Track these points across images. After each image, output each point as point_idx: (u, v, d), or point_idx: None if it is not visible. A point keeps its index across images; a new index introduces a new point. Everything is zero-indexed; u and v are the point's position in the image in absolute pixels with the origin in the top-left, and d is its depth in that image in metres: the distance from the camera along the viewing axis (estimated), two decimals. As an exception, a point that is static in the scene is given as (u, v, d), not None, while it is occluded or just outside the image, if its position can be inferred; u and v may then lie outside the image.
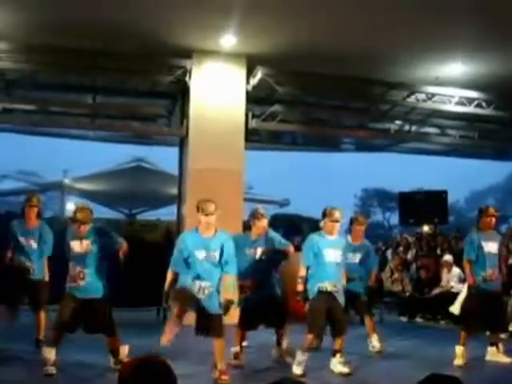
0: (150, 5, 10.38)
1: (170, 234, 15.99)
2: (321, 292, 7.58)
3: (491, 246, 8.57)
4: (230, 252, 7.09)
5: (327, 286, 7.55)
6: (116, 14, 10.80)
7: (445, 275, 13.44)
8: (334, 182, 74.06)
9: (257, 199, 30.63)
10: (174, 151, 14.67)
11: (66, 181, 29.39)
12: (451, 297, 11.45)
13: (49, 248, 8.86)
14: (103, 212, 30.35)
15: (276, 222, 22.56)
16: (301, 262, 7.85)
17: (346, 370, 7.68)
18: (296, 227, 21.42)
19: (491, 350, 8.67)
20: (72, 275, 7.36)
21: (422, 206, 17.61)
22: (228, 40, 11.79)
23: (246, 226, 8.82)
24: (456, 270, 13.06)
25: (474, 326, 8.49)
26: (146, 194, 26.70)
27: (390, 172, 62.53)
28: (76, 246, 7.38)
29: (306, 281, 7.70)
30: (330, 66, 12.64)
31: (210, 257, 7.01)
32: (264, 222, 8.38)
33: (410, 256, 15.97)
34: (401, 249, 16.65)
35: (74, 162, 40.06)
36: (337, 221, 7.77)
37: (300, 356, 7.56)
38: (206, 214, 7.11)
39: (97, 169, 28.90)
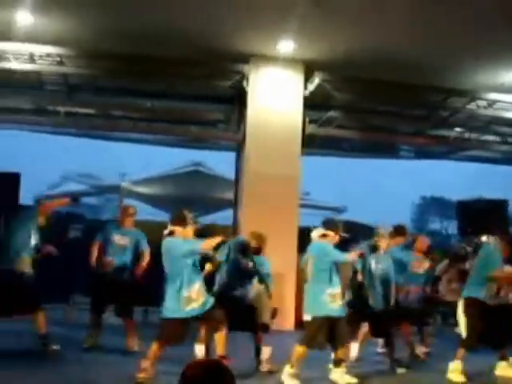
0: (209, 11, 10.46)
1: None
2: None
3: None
4: None
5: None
6: (176, 21, 10.92)
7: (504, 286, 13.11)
8: (392, 189, 73.39)
9: (313, 205, 30.53)
10: (232, 156, 14.74)
11: (124, 184, 29.78)
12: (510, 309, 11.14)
13: None
14: (160, 215, 30.70)
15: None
16: None
17: (353, 380, 7.52)
18: (352, 234, 21.22)
19: (501, 364, 8.40)
20: None
21: (482, 215, 17.22)
22: (286, 45, 11.78)
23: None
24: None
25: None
26: (203, 199, 26.85)
27: (449, 180, 61.70)
28: None
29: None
30: (389, 72, 12.51)
31: None
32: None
33: (468, 266, 15.65)
34: (458, 258, 16.33)
35: (132, 166, 40.67)
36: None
37: (290, 369, 7.42)
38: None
39: (154, 172, 29.22)
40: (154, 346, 7.09)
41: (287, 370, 7.38)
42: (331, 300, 7.43)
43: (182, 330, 7.07)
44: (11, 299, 8.19)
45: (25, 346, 8.66)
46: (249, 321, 8.11)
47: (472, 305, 8.33)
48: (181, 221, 7.23)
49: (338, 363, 7.55)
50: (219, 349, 7.14)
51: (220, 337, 7.14)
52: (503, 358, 8.38)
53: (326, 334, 7.39)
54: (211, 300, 7.16)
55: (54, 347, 8.42)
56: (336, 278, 7.54)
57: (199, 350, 7.90)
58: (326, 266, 7.50)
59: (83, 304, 11.45)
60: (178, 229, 7.17)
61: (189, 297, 6.96)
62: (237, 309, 7.88)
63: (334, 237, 7.69)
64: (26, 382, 7.09)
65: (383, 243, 8.51)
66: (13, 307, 8.26)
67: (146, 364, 7.03)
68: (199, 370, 2.59)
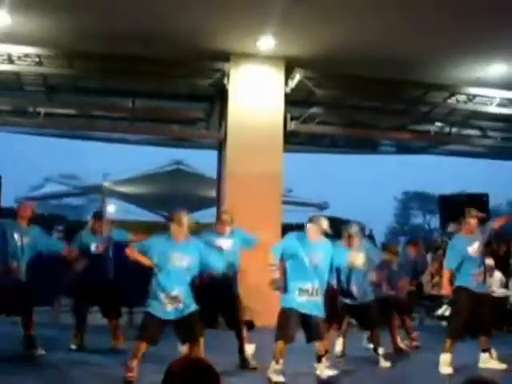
0: (188, 9, 10.44)
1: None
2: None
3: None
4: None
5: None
6: (155, 20, 10.88)
7: (486, 280, 13.21)
8: (374, 184, 73.62)
9: (296, 202, 30.55)
10: (213, 154, 14.73)
11: (106, 184, 29.66)
12: (493, 302, 11.26)
13: None
14: (142, 215, 30.60)
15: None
16: None
17: (333, 372, 7.51)
18: (335, 230, 21.29)
19: (483, 356, 8.43)
20: None
21: (463, 209, 17.36)
22: (266, 42, 11.78)
23: None
24: (497, 275, 12.85)
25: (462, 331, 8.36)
26: (185, 197, 26.81)
27: (431, 174, 61.96)
28: None
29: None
30: (369, 67, 12.55)
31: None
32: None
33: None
34: (441, 252, 16.43)
35: (113, 165, 40.46)
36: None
37: (274, 365, 7.34)
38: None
39: (136, 172, 29.13)
40: (136, 343, 7.12)
41: (272, 366, 7.35)
42: (300, 294, 7.38)
43: (156, 329, 7.05)
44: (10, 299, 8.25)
45: (9, 348, 8.60)
46: (231, 319, 8.17)
47: (460, 293, 8.41)
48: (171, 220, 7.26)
49: (318, 359, 7.54)
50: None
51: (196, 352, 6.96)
52: (485, 350, 8.43)
53: (294, 327, 7.36)
54: (192, 307, 7.10)
55: (41, 352, 8.38)
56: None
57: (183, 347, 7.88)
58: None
59: (68, 306, 11.43)
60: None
61: (165, 299, 6.99)
62: (218, 307, 8.00)
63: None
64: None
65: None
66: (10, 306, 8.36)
67: (134, 363, 7.03)
68: (183, 367, 2.58)
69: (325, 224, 7.63)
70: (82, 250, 9.08)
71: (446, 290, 8.66)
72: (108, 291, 9.11)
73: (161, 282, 7.01)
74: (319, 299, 7.43)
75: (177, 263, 7.05)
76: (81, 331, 9.13)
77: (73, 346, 8.95)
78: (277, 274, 7.51)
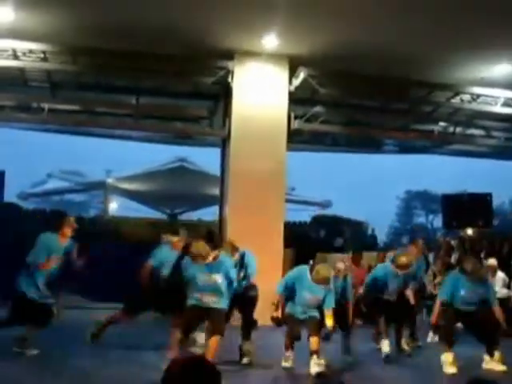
0: (193, 7, 10.44)
1: (212, 234, 16.07)
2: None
3: None
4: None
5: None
6: (159, 17, 10.87)
7: (489, 279, 13.18)
8: (377, 183, 73.55)
9: (299, 200, 30.58)
10: (217, 152, 14.73)
11: (109, 180, 29.69)
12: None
13: None
14: (145, 212, 30.63)
15: (317, 224, 22.53)
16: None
17: (315, 369, 7.71)
18: (337, 229, 21.35)
19: (487, 357, 8.43)
20: None
21: (466, 208, 17.38)
22: (270, 41, 11.78)
23: None
24: (500, 275, 12.82)
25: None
26: (188, 195, 26.83)
27: (434, 174, 61.90)
28: None
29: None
30: (373, 67, 12.54)
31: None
32: None
33: (453, 259, 15.73)
34: (442, 252, 16.40)
35: (117, 162, 40.48)
36: None
37: (285, 353, 8.10)
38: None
39: (139, 169, 29.15)
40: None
41: (284, 353, 8.07)
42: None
43: (189, 317, 7.45)
44: None
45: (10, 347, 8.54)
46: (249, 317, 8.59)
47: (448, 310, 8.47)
48: None
49: (311, 354, 7.80)
50: (208, 353, 7.13)
51: (212, 342, 7.35)
52: (489, 352, 8.42)
53: (297, 326, 8.07)
54: (222, 301, 7.53)
55: (33, 352, 8.27)
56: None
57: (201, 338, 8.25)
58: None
59: (71, 303, 11.44)
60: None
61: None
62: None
63: None
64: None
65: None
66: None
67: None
68: (184, 365, 2.57)
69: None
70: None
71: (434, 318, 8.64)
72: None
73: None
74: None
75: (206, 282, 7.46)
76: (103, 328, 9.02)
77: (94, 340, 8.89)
78: (276, 313, 8.16)
